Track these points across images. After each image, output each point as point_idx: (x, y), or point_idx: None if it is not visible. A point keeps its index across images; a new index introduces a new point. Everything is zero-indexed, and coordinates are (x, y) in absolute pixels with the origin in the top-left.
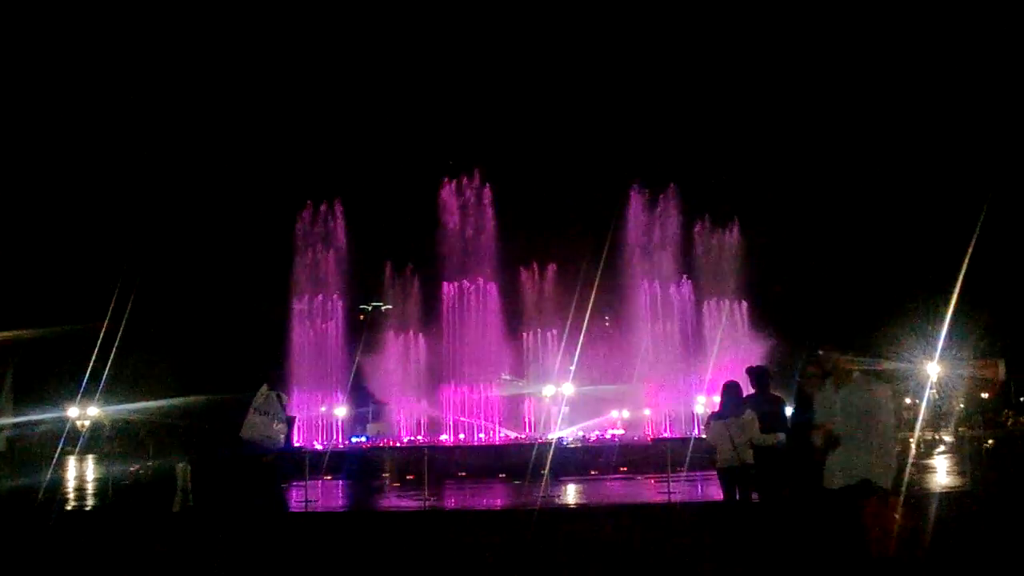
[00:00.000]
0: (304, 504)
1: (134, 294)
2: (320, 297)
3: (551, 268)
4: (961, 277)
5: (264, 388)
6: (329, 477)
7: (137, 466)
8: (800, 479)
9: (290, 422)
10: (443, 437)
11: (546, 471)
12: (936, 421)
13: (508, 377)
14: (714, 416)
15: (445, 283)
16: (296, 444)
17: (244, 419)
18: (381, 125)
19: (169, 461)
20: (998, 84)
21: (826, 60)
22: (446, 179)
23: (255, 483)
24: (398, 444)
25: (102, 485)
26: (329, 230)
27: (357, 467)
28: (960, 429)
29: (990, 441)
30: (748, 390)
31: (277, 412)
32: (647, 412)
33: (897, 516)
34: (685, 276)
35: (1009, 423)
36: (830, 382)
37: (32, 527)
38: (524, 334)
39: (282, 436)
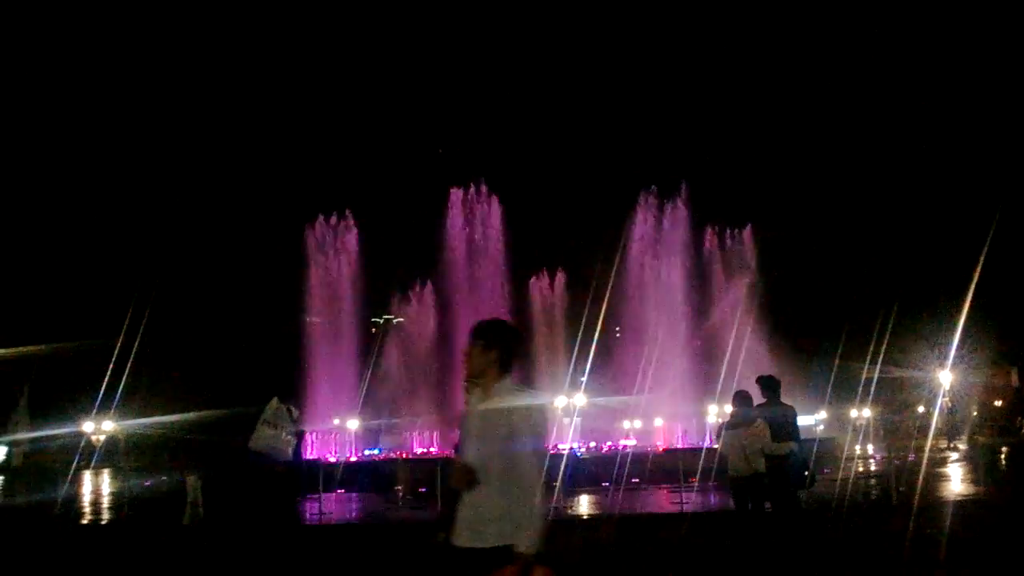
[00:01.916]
0: (319, 516)
1: (148, 309)
2: (332, 310)
3: (561, 278)
4: (973, 285)
5: (275, 401)
6: (343, 490)
7: (151, 480)
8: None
9: (300, 435)
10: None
11: (558, 482)
12: (951, 430)
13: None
14: (725, 426)
15: (455, 293)
16: (310, 457)
17: (254, 431)
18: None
19: (183, 475)
20: (1010, 91)
21: (838, 73)
22: (456, 188)
23: (267, 495)
24: (411, 456)
25: (116, 499)
26: (340, 242)
27: (371, 479)
28: (977, 437)
29: (1004, 449)
30: (759, 399)
31: (286, 424)
32: (659, 422)
33: None
34: (696, 284)
35: (1023, 431)
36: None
37: (48, 540)
38: (534, 343)
39: (290, 448)
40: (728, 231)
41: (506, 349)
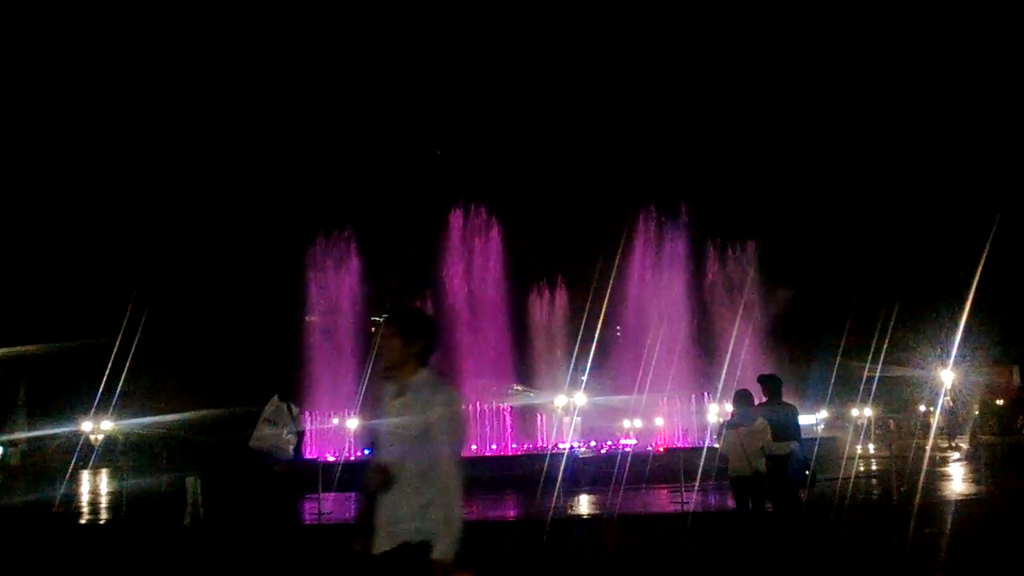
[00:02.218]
0: (317, 516)
1: (147, 308)
2: (332, 309)
3: (562, 277)
4: (975, 284)
5: (275, 399)
6: (342, 490)
7: (149, 480)
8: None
9: (300, 435)
10: None
11: (558, 482)
12: (952, 429)
13: (519, 388)
14: (726, 425)
15: (455, 292)
16: (309, 457)
17: (254, 430)
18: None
19: (182, 475)
20: (1012, 90)
21: (838, 65)
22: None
23: (266, 495)
24: None
25: (115, 499)
26: (341, 244)
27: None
28: (979, 436)
29: (1006, 448)
30: (760, 398)
31: (287, 423)
32: (659, 422)
33: None
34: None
35: None
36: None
37: (47, 541)
38: (535, 344)
39: (291, 447)
40: (729, 234)
41: (428, 341)
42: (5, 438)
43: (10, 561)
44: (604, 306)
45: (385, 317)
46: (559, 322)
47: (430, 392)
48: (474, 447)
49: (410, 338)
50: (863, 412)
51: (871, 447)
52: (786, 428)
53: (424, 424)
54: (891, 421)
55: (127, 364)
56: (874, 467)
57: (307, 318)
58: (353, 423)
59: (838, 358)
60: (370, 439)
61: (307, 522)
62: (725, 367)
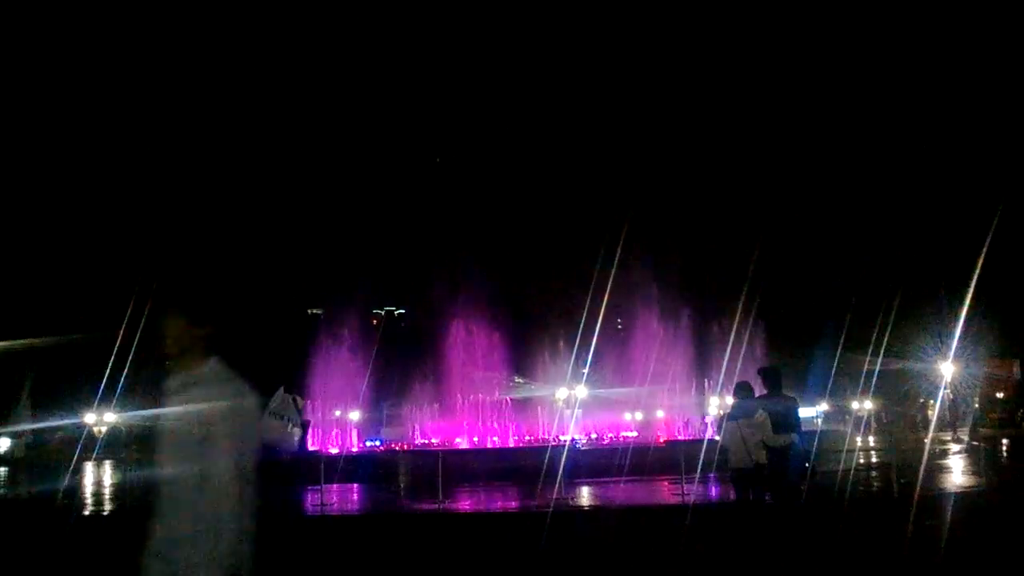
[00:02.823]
0: (320, 507)
1: (151, 300)
2: (335, 302)
3: (563, 269)
4: (975, 277)
5: (280, 391)
6: (344, 481)
7: (154, 471)
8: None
9: (305, 426)
10: (458, 440)
11: (559, 474)
12: (953, 421)
13: (520, 380)
14: (727, 417)
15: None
16: (311, 448)
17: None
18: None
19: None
20: (1013, 84)
21: (842, 65)
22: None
23: (272, 487)
24: (412, 448)
25: (118, 490)
26: (345, 235)
27: (372, 471)
28: (980, 429)
29: (1006, 440)
30: (761, 391)
31: (292, 415)
32: (660, 414)
33: None
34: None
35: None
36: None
37: (51, 532)
38: (536, 337)
39: (296, 439)
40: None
41: (218, 325)
42: (9, 430)
43: (16, 553)
44: (604, 298)
45: (171, 301)
46: (560, 314)
47: (218, 385)
48: (476, 439)
49: (199, 322)
50: (863, 405)
51: (871, 439)
52: (786, 420)
53: (206, 426)
54: (883, 414)
55: (130, 356)
56: (874, 459)
57: (310, 310)
58: (355, 415)
59: (839, 351)
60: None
61: (310, 513)
62: (725, 360)
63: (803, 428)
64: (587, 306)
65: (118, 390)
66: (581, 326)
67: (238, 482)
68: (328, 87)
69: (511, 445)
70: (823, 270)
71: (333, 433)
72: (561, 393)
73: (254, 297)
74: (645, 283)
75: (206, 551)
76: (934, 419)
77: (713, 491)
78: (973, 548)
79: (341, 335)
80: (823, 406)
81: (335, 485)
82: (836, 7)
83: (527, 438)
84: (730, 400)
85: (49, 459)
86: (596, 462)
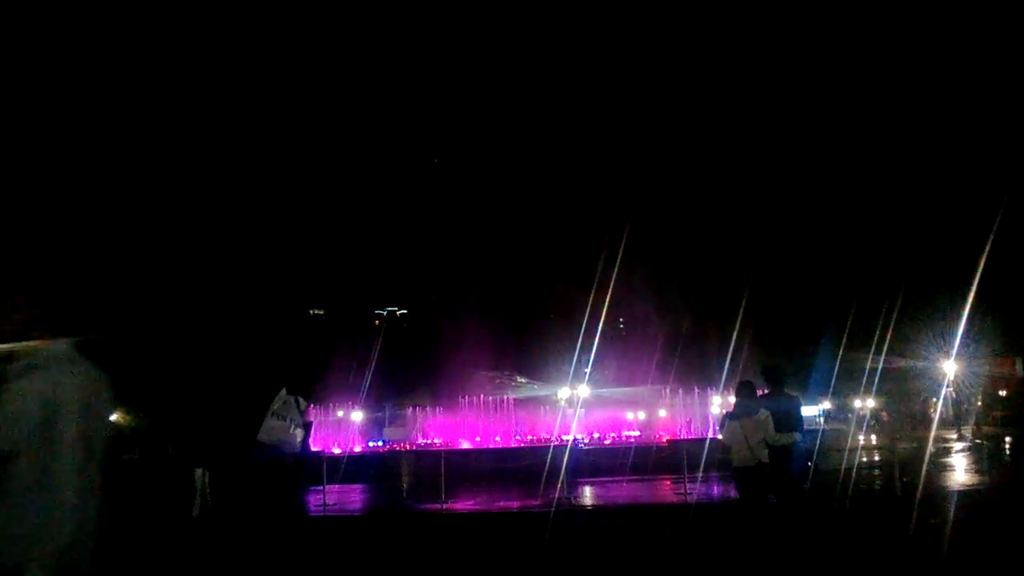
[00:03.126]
0: (323, 507)
1: (155, 301)
2: (337, 302)
3: (565, 268)
4: (978, 275)
5: (283, 392)
6: (347, 481)
7: (157, 471)
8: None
9: (308, 427)
10: (460, 440)
11: (562, 473)
12: (956, 419)
13: (522, 380)
14: (729, 416)
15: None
16: (314, 449)
17: (262, 423)
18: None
19: (190, 466)
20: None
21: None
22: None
23: (273, 487)
24: (414, 448)
25: (122, 490)
26: (347, 236)
27: (374, 471)
28: (983, 427)
29: (1009, 439)
30: (763, 389)
31: (295, 416)
32: (662, 413)
33: None
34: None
35: None
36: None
37: None
38: (539, 337)
39: (299, 440)
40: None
41: (61, 301)
42: None
43: None
44: (607, 299)
45: None
46: (563, 315)
47: (58, 369)
48: (478, 439)
49: (35, 300)
50: (866, 403)
51: (873, 438)
52: (789, 419)
53: (44, 411)
54: (883, 412)
55: (135, 356)
56: (876, 458)
57: (312, 311)
58: (358, 415)
59: (841, 350)
60: None
61: (313, 514)
62: (728, 359)
63: (805, 426)
64: (589, 305)
65: (121, 390)
66: (583, 326)
67: (78, 475)
68: (328, 87)
69: (513, 445)
70: (826, 269)
71: (336, 433)
72: (563, 393)
73: (257, 298)
74: (647, 282)
75: (36, 550)
76: (936, 417)
77: (715, 490)
78: (977, 547)
79: (343, 336)
80: (825, 404)
81: (337, 485)
82: (836, 8)
83: (529, 438)
84: (732, 399)
85: None
86: (599, 461)
